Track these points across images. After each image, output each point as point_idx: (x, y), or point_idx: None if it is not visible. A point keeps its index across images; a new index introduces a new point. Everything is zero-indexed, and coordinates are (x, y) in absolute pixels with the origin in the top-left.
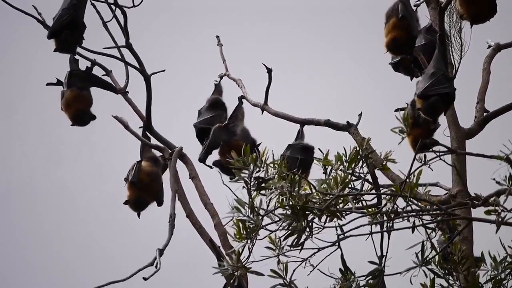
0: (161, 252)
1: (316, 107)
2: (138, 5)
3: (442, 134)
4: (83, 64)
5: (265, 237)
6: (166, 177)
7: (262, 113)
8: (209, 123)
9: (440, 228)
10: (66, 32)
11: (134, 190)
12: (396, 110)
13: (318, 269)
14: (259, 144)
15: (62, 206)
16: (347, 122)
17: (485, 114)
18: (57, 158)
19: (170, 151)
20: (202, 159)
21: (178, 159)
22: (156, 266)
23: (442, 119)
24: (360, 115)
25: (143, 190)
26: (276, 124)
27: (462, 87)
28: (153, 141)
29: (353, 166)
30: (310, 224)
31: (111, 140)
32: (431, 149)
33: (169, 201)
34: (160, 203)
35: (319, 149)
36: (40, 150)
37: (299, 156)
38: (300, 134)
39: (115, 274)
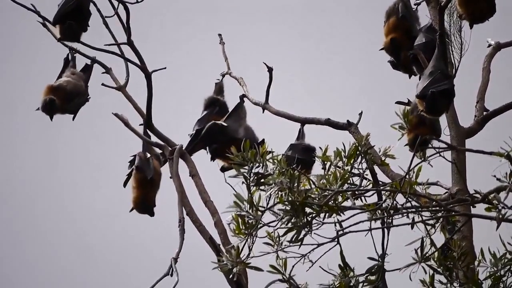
0: (175, 260)
1: (317, 106)
2: (141, 1)
3: (442, 133)
4: (82, 61)
5: (265, 236)
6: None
7: (263, 112)
8: (199, 126)
9: (441, 225)
10: (70, 22)
11: (147, 187)
12: (397, 103)
13: (317, 265)
14: (262, 141)
15: (62, 205)
16: (348, 121)
17: (485, 113)
18: (57, 156)
19: (170, 148)
20: (189, 152)
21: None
22: (171, 275)
23: (442, 119)
24: (360, 114)
25: (151, 190)
26: (276, 123)
27: (462, 86)
28: (153, 138)
29: (352, 162)
30: (310, 219)
31: (111, 137)
32: (431, 146)
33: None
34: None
35: (319, 148)
36: (40, 148)
37: (301, 156)
38: (301, 133)
39: (115, 275)
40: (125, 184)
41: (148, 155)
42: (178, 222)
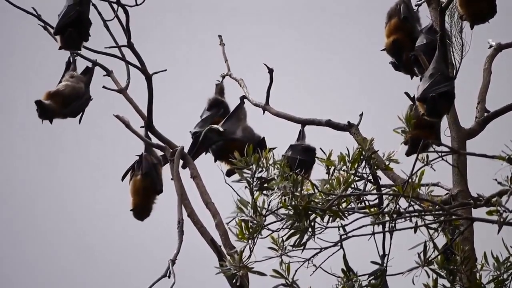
0: (173, 262)
1: (317, 107)
2: (140, 4)
3: (443, 134)
4: (83, 64)
5: (267, 236)
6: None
7: (263, 113)
8: (202, 126)
9: (443, 229)
10: (71, 30)
11: (153, 198)
12: (406, 93)
13: (320, 268)
14: (262, 139)
15: (62, 205)
16: (348, 122)
17: (485, 114)
18: (58, 156)
19: (171, 150)
20: (192, 157)
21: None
22: (169, 277)
23: (443, 120)
24: (361, 115)
25: (153, 197)
26: (277, 124)
27: (463, 87)
28: (154, 140)
29: (356, 166)
30: (313, 224)
31: (112, 139)
32: (433, 150)
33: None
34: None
35: (320, 149)
36: (41, 149)
37: (301, 157)
38: (301, 135)
39: (115, 276)
40: (123, 178)
41: (155, 160)
42: (177, 223)
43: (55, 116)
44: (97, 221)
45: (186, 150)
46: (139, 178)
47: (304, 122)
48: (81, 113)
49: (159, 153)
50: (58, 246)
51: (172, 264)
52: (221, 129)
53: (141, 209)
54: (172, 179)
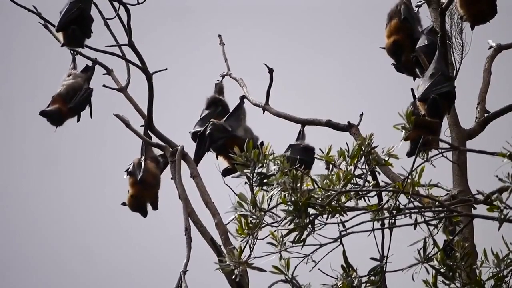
0: (184, 273)
1: (317, 107)
2: (141, 3)
3: (443, 135)
4: (83, 62)
5: (267, 236)
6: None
7: (263, 113)
8: (201, 125)
9: (443, 226)
10: (73, 28)
11: (138, 188)
12: (411, 90)
13: (319, 266)
14: (261, 143)
15: (61, 206)
16: (348, 122)
17: (486, 115)
18: (57, 156)
19: (171, 149)
20: (197, 160)
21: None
22: None
23: (443, 120)
24: (361, 115)
25: (145, 191)
26: (277, 124)
27: (463, 87)
28: (154, 139)
29: (355, 162)
30: (312, 220)
31: (112, 138)
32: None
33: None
34: (155, 208)
35: (320, 149)
36: (41, 149)
37: (300, 156)
38: (301, 135)
39: (115, 276)
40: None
41: (143, 158)
42: (184, 230)
43: (65, 117)
44: (97, 221)
45: (186, 149)
46: (128, 179)
47: (304, 122)
48: (89, 107)
49: (158, 152)
50: (57, 247)
51: (183, 275)
52: (228, 128)
53: (130, 201)
54: (172, 178)
